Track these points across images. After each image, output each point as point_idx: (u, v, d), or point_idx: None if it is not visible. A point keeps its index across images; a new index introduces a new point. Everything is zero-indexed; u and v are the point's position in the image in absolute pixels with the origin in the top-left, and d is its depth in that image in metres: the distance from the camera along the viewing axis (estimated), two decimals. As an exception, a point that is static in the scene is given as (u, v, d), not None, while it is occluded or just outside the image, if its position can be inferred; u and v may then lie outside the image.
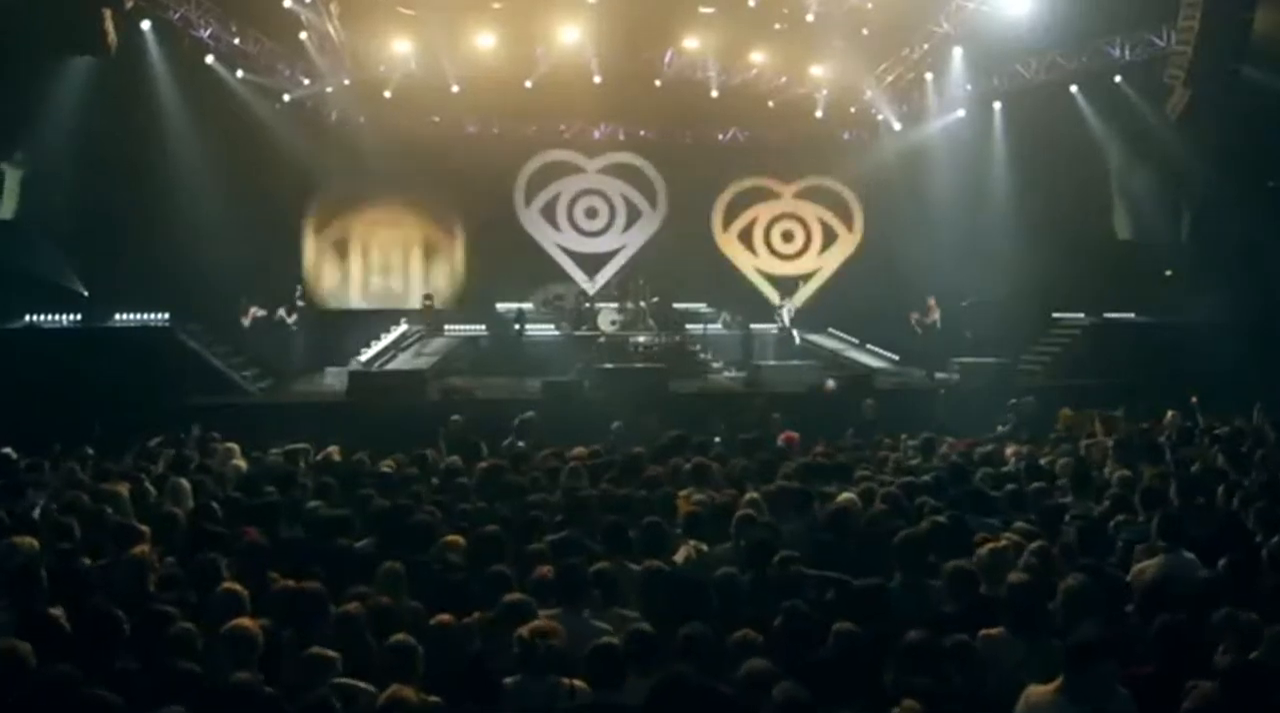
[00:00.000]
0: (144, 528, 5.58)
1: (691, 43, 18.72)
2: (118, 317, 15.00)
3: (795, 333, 17.85)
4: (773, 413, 12.10)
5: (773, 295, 22.14)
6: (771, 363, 15.97)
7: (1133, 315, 18.23)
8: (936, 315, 16.26)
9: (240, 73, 16.49)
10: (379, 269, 20.92)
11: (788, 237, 22.74)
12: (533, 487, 6.74)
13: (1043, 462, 8.30)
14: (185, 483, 7.01)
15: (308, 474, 7.62)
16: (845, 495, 6.64)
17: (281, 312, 16.20)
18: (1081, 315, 18.43)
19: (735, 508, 6.32)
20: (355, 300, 20.60)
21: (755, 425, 11.81)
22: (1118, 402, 14.45)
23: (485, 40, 17.56)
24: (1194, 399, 11.15)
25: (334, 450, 8.66)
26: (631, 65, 18.91)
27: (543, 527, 5.70)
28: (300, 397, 14.48)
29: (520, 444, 9.17)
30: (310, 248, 20.00)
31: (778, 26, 18.39)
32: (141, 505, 6.60)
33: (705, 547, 5.27)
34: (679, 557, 5.23)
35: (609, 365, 15.16)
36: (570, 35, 17.74)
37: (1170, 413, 10.96)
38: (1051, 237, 18.88)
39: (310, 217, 19.95)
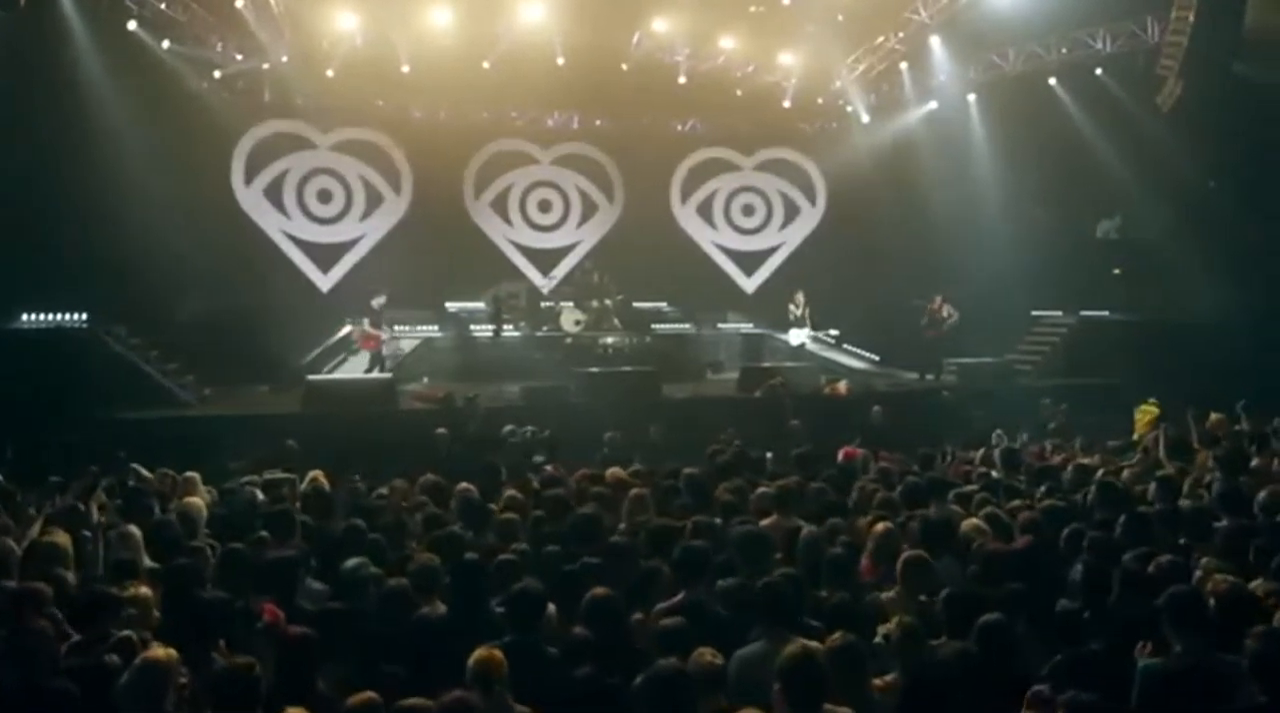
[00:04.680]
0: (144, 593, 4.10)
1: (661, 25, 17.60)
2: (25, 317, 13.01)
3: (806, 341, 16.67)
4: (791, 420, 11.09)
5: (739, 276, 21.33)
6: (766, 365, 14.90)
7: (1106, 313, 17.86)
8: (956, 315, 15.33)
9: (167, 43, 14.62)
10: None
11: (748, 210, 21.79)
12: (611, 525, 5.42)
13: (1126, 474, 7.45)
14: (135, 531, 5.47)
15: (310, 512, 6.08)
16: (970, 523, 5.58)
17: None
18: (1059, 313, 18.01)
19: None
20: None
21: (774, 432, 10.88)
22: (1119, 401, 14.06)
23: (441, 16, 16.07)
24: (1241, 403, 10.49)
25: (319, 475, 7.17)
26: (597, 47, 17.63)
27: (660, 584, 4.41)
28: (248, 408, 12.76)
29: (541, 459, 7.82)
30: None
31: (753, 9, 17.39)
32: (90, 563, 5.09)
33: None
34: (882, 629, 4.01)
35: (595, 369, 13.87)
36: (534, 13, 16.41)
37: (1214, 417, 10.32)
38: (1029, 232, 18.40)
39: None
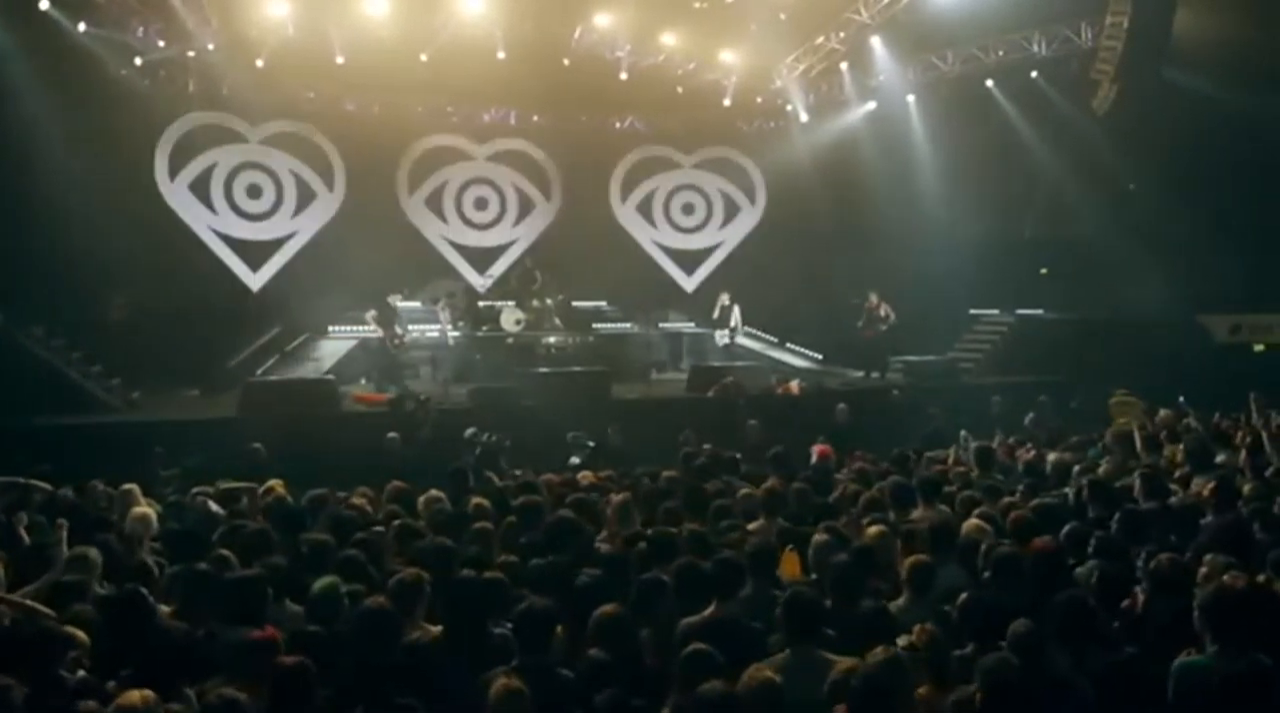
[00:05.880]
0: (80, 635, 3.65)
1: (604, 20, 17.37)
2: (-74, 318, 12.06)
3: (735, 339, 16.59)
4: (750, 420, 10.95)
5: (679, 275, 21.18)
6: (716, 364, 14.74)
7: (1041, 311, 18.22)
8: (893, 314, 15.31)
9: (83, 25, 13.76)
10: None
11: (688, 209, 21.60)
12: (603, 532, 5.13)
13: (1102, 470, 7.48)
14: (95, 553, 4.98)
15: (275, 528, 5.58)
16: (971, 524, 5.45)
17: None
18: (996, 311, 18.32)
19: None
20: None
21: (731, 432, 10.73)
22: (1060, 397, 14.33)
23: (378, 5, 15.53)
24: (1181, 398, 10.73)
25: (277, 485, 6.69)
26: (539, 41, 17.28)
27: (665, 596, 4.13)
28: (180, 412, 12.04)
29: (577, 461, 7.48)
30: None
31: (697, 5, 17.26)
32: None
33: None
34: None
35: (544, 369, 13.52)
36: (474, 5, 16.01)
37: (1163, 412, 10.53)
38: (966, 232, 18.66)
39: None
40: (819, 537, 4.84)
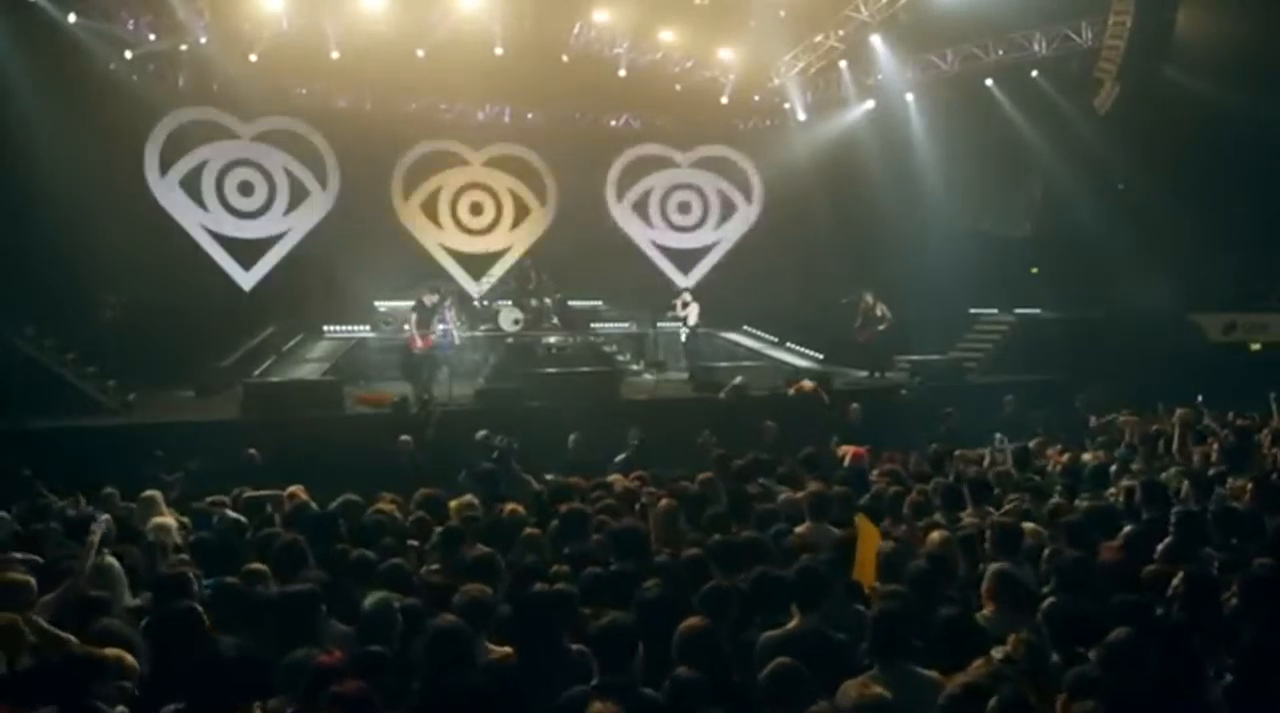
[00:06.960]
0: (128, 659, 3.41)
1: (602, 16, 17.18)
2: (-86, 319, 11.67)
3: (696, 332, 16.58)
4: (767, 421, 10.79)
5: (675, 274, 21.01)
6: (724, 365, 14.57)
7: (1039, 311, 18.18)
8: (889, 314, 15.18)
9: (73, 16, 13.39)
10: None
11: (684, 208, 21.37)
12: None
13: (1134, 469, 7.41)
14: (116, 564, 4.72)
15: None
16: (1029, 526, 5.32)
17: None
18: (995, 311, 18.27)
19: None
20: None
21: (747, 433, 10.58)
22: (1062, 396, 14.29)
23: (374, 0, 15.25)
24: (1200, 397, 10.69)
25: (299, 491, 6.44)
26: (537, 37, 17.05)
27: (734, 607, 3.93)
28: (178, 414, 11.71)
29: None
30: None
31: (697, 2, 17.08)
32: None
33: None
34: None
35: (551, 370, 13.29)
36: (471, 0, 15.74)
37: (1179, 411, 10.47)
38: (964, 231, 18.63)
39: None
40: (887, 544, 4.68)
